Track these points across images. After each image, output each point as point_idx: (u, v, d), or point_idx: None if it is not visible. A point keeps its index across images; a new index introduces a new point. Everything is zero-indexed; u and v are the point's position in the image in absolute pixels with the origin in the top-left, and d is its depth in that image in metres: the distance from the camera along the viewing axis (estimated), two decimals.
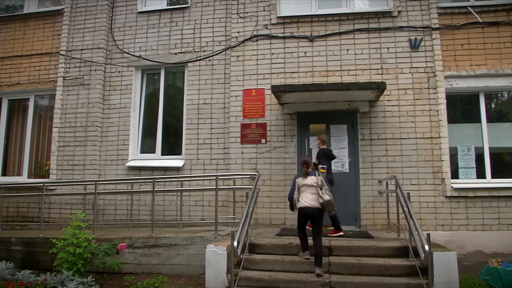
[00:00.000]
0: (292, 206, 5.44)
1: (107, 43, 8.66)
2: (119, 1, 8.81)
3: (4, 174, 8.94)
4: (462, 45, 7.26)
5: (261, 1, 7.94)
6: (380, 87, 6.55)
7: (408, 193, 5.37)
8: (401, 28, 7.41)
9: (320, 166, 6.09)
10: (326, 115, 7.39)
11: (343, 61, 7.49)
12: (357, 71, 7.41)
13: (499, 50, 7.16)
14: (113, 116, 8.39)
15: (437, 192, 6.89)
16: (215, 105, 7.95)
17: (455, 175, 7.11)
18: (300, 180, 5.33)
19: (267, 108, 7.59)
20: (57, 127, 8.43)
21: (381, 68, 7.36)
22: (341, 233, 6.12)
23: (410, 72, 7.27)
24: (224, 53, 8.05)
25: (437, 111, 7.08)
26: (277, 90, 6.79)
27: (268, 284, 4.91)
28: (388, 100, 7.24)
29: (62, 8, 8.89)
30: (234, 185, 7.13)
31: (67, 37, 8.73)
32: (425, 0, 7.41)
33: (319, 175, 5.30)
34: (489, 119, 7.27)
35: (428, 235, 4.37)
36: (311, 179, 5.24)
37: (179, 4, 8.61)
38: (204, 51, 8.18)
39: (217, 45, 8.13)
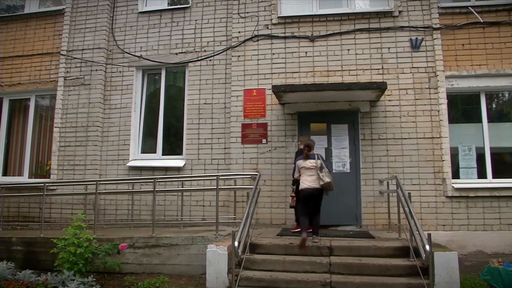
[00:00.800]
0: (293, 182, 6.16)
1: (108, 43, 8.66)
2: (120, 1, 8.81)
3: (5, 174, 8.94)
4: (463, 45, 7.25)
5: (262, 1, 7.94)
6: (381, 87, 6.55)
7: (409, 193, 5.37)
8: (402, 28, 7.41)
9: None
10: (327, 115, 7.38)
11: (344, 61, 7.48)
12: (358, 71, 7.40)
13: (500, 50, 7.15)
14: (114, 116, 8.39)
15: (438, 192, 6.88)
16: (216, 105, 7.95)
17: (456, 175, 7.10)
18: (300, 162, 5.80)
19: (268, 108, 7.59)
20: (58, 127, 8.43)
21: (382, 68, 7.36)
22: (299, 229, 5.83)
23: (411, 72, 7.26)
24: (225, 53, 8.04)
25: (438, 111, 7.07)
26: (278, 90, 6.79)
27: (269, 284, 4.91)
28: (389, 100, 7.23)
29: (63, 8, 8.88)
30: (235, 185, 7.11)
31: (68, 37, 8.73)
32: (426, 0, 7.40)
33: (318, 158, 5.72)
34: (490, 119, 7.26)
35: (429, 235, 4.38)
36: (309, 162, 5.69)
37: (180, 4, 8.60)
38: (205, 51, 8.18)
39: (218, 45, 8.13)
